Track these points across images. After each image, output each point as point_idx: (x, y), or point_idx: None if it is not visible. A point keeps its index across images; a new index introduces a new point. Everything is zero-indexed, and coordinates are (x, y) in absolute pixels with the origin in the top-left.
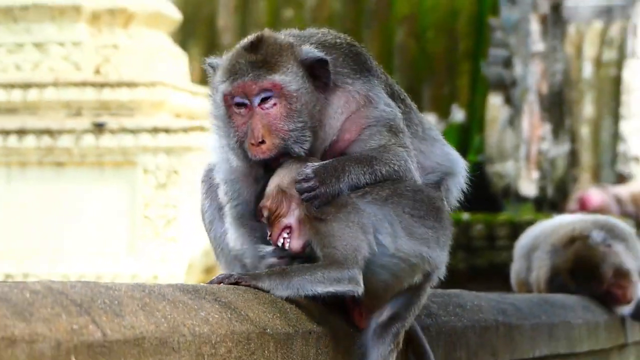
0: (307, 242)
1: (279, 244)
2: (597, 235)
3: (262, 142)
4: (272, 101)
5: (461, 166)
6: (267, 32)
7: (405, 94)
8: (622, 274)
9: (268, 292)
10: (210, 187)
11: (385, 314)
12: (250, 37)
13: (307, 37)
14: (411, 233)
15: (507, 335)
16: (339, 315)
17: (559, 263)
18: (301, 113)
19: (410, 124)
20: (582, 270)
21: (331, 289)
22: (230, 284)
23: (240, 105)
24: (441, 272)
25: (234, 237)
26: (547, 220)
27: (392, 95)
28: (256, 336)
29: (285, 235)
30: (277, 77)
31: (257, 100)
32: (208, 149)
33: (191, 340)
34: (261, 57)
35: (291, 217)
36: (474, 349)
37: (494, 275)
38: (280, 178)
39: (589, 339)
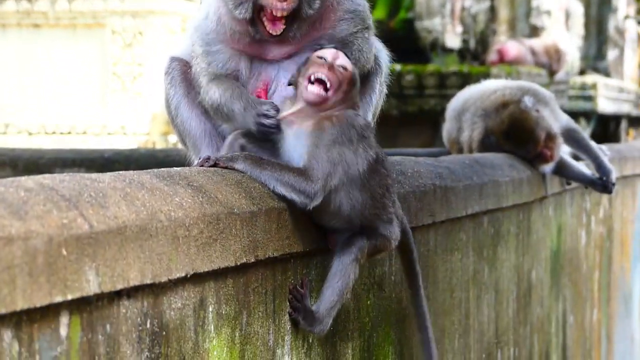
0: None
1: (312, 83)
2: (528, 100)
3: None
4: None
5: (384, 63)
6: None
7: None
8: (551, 137)
9: (243, 172)
10: (173, 77)
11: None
12: None
13: None
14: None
15: (443, 197)
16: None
17: (492, 125)
18: None
19: None
20: (518, 133)
21: (288, 195)
22: (210, 166)
23: None
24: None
25: (219, 90)
26: (475, 85)
27: None
28: (225, 216)
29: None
30: None
31: None
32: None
33: (167, 225)
34: None
35: (329, 78)
36: (414, 212)
37: (423, 120)
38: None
39: (514, 194)
